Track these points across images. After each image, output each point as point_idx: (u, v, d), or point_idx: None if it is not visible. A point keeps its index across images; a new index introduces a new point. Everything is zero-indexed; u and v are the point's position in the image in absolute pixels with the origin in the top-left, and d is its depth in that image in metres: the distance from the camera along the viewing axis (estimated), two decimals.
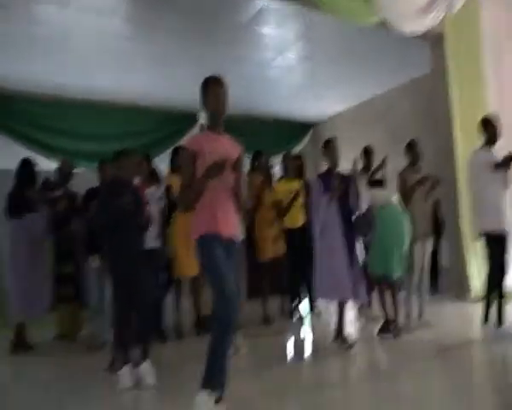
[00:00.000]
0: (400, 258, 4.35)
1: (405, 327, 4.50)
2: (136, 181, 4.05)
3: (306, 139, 10.46)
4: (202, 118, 7.19)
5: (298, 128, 10.30)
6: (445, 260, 6.62)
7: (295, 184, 5.21)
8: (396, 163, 5.19)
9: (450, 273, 6.40)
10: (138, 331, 3.53)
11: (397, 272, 4.35)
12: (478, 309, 4.57)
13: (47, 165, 6.79)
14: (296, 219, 5.13)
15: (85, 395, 3.26)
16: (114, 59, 6.58)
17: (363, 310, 5.18)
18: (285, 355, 4.15)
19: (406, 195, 4.63)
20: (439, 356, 3.79)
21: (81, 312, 5.12)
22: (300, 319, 5.15)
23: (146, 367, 3.43)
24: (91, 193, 4.77)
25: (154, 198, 4.45)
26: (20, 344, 4.66)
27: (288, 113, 9.61)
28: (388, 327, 4.35)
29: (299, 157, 5.75)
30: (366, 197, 4.45)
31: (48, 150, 7.49)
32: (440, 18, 5.72)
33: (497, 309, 4.13)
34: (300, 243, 5.05)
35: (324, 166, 4.28)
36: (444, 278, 6.61)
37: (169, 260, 4.80)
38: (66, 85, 7.26)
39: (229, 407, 2.49)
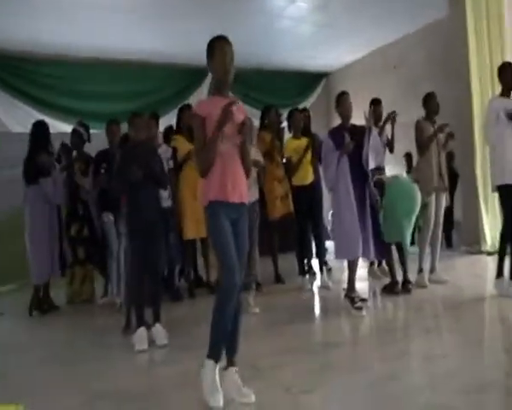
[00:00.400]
0: (411, 225, 4.31)
1: (417, 282, 4.48)
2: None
3: (319, 90, 10.22)
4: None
5: (310, 79, 10.06)
6: (458, 213, 6.53)
7: (304, 141, 5.08)
8: (411, 114, 5.03)
9: (464, 227, 6.33)
10: (150, 293, 3.57)
11: (408, 239, 4.33)
12: (492, 263, 4.52)
13: (63, 127, 6.83)
14: (305, 176, 5.02)
15: (101, 358, 3.32)
16: (124, 16, 6.44)
17: (374, 267, 5.16)
18: (295, 314, 4.16)
19: (423, 145, 4.51)
20: (451, 312, 3.77)
21: (93, 274, 5.21)
22: (312, 276, 5.17)
23: (158, 329, 3.48)
24: (102, 155, 4.74)
25: (165, 158, 4.43)
26: (40, 306, 4.76)
27: (299, 64, 9.36)
28: (393, 288, 4.33)
29: (304, 110, 5.58)
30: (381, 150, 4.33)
31: (60, 112, 7.48)
32: None
33: (510, 263, 4.04)
34: (309, 200, 4.98)
35: (337, 121, 4.15)
36: (457, 232, 6.55)
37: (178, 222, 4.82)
38: (76, 45, 7.16)
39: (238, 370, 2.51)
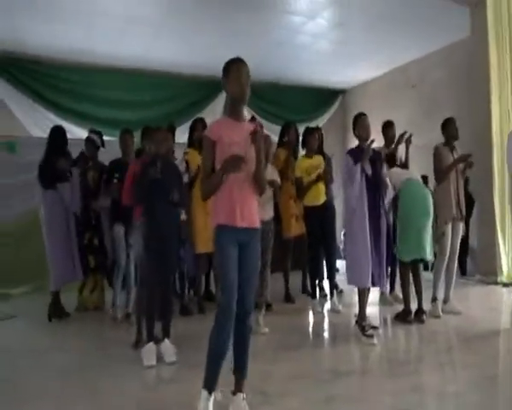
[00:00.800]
0: (429, 236, 4.25)
1: (431, 312, 4.43)
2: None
3: (335, 106, 10.22)
4: None
5: (326, 95, 10.06)
6: (473, 240, 6.44)
7: (316, 160, 5.04)
8: (429, 135, 4.97)
9: (480, 256, 6.22)
10: (161, 307, 3.58)
11: (429, 254, 4.26)
12: (507, 295, 4.45)
13: (79, 133, 6.91)
14: (317, 196, 4.96)
15: (109, 371, 3.34)
16: (142, 26, 6.52)
17: (386, 294, 5.09)
18: (305, 337, 4.15)
19: (441, 173, 4.47)
20: (465, 346, 3.70)
21: (103, 283, 5.24)
22: (322, 298, 5.13)
23: (167, 345, 3.50)
24: (114, 165, 4.74)
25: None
26: (56, 312, 4.80)
27: (316, 79, 9.37)
28: (406, 317, 4.28)
29: (317, 129, 5.54)
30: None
31: (77, 118, 7.57)
32: None
33: None
34: (321, 221, 4.93)
35: (352, 138, 4.12)
36: (472, 259, 6.45)
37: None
38: (94, 52, 7.26)
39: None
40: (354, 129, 4.00)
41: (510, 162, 4.03)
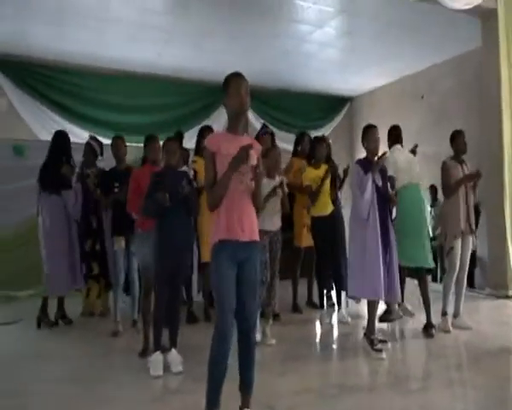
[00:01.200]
0: (428, 243, 4.29)
1: (441, 327, 4.38)
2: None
3: (342, 114, 10.22)
4: None
5: (334, 102, 10.08)
6: (480, 252, 6.37)
7: (322, 172, 4.95)
8: (437, 145, 4.90)
9: (490, 269, 6.15)
10: (169, 315, 3.56)
11: (429, 261, 4.28)
12: None
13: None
14: (324, 206, 4.93)
15: (115, 380, 3.33)
16: (153, 32, 6.54)
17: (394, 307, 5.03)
18: (312, 349, 4.12)
19: (449, 189, 4.42)
20: (475, 363, 3.63)
21: (107, 290, 5.20)
22: (330, 307, 5.10)
23: (173, 355, 3.49)
24: (110, 174, 4.66)
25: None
26: (46, 319, 4.77)
27: (323, 87, 9.38)
28: (389, 316, 4.39)
29: (325, 139, 5.50)
30: None
31: (85, 121, 7.60)
32: None
33: None
34: (329, 231, 4.88)
35: (359, 146, 4.10)
36: (480, 271, 6.39)
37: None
38: (104, 57, 7.29)
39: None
40: (363, 140, 3.96)
41: None
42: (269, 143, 5.03)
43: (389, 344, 3.97)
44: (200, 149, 5.06)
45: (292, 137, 6.74)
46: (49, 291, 4.77)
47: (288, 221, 4.87)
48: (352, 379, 3.33)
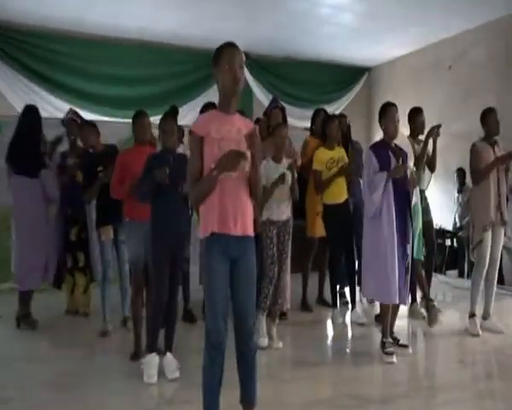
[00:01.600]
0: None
1: (468, 329, 4.33)
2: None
3: (359, 86, 10.03)
4: None
5: (349, 73, 9.88)
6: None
7: (337, 152, 4.86)
8: (465, 122, 4.72)
9: None
10: (166, 312, 3.51)
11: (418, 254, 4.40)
12: None
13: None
14: (339, 193, 4.82)
15: (106, 387, 3.30)
16: None
17: (417, 305, 4.93)
18: (323, 353, 4.08)
19: (479, 174, 4.30)
20: (508, 373, 3.55)
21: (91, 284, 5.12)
22: (343, 305, 5.04)
23: (169, 360, 3.45)
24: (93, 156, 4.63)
25: None
26: (26, 318, 4.70)
27: (337, 55, 9.17)
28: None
29: (340, 117, 5.33)
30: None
31: (69, 94, 7.48)
32: None
33: None
34: (343, 221, 4.79)
35: (377, 125, 3.98)
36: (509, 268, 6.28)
37: None
38: (87, 22, 7.14)
39: None
40: (380, 120, 3.85)
41: None
42: (279, 119, 4.93)
43: (410, 349, 3.91)
44: None
45: (307, 113, 6.62)
46: (24, 284, 4.66)
47: (300, 209, 4.78)
48: (368, 389, 3.30)
